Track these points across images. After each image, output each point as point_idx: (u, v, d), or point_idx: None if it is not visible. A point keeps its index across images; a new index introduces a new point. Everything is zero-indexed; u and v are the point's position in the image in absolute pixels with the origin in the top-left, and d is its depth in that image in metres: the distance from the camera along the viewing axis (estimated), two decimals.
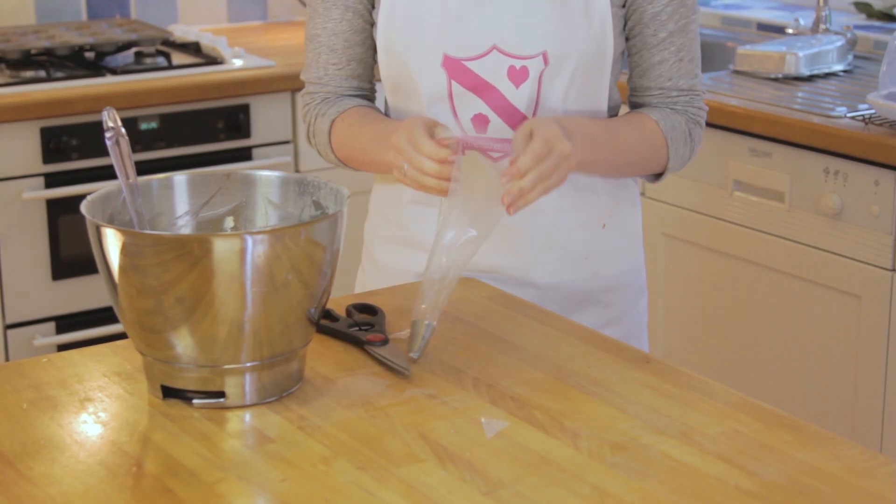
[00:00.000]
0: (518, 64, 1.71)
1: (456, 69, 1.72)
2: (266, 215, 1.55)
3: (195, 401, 1.41)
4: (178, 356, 1.40)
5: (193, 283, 1.35)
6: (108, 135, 1.47)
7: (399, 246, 1.84)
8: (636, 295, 1.91)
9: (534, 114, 1.74)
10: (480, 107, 1.74)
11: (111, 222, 1.45)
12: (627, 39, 1.80)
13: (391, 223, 1.85)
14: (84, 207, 1.41)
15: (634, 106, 1.83)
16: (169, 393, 1.43)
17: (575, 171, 1.66)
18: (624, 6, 1.76)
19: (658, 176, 1.83)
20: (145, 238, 1.36)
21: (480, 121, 1.74)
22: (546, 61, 1.71)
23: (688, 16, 1.78)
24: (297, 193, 1.53)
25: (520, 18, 1.71)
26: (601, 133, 1.71)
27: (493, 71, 1.72)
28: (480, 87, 1.73)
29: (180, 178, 1.54)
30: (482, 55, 1.71)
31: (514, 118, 1.74)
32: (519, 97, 1.73)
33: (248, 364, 1.40)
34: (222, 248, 1.34)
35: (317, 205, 1.51)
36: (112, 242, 1.37)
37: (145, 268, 1.36)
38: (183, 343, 1.38)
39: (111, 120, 1.49)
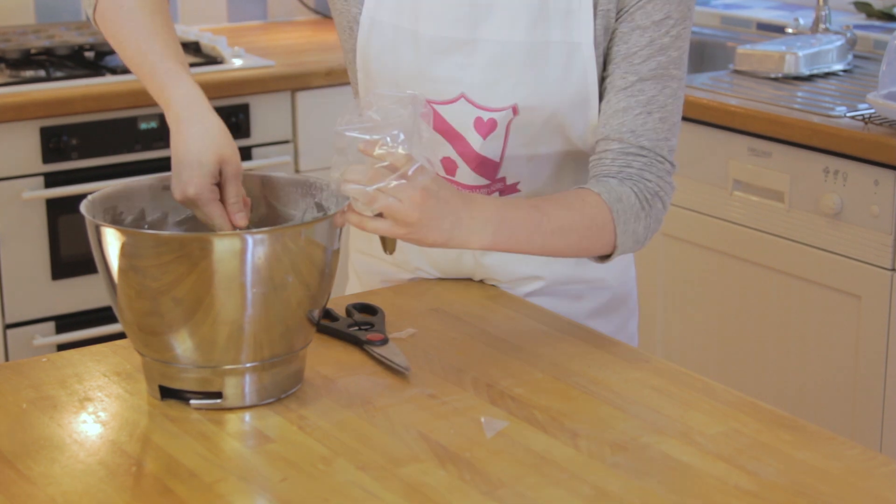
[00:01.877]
0: (486, 116, 1.63)
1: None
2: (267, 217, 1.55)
3: (192, 401, 1.41)
4: (177, 357, 1.39)
5: (193, 285, 1.35)
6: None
7: (386, 265, 1.81)
8: (625, 318, 1.83)
9: (501, 156, 1.66)
10: (449, 151, 1.67)
11: (111, 222, 1.45)
12: (600, 83, 1.65)
13: (375, 244, 1.81)
14: (84, 207, 1.41)
15: (591, 167, 1.65)
16: (167, 393, 1.43)
17: (492, 250, 1.53)
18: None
19: (606, 256, 1.62)
20: (145, 238, 1.36)
21: (449, 164, 1.68)
22: (515, 112, 1.63)
23: (667, 68, 1.60)
24: (298, 195, 1.53)
25: (489, 71, 1.62)
26: (525, 214, 1.53)
27: (460, 119, 1.65)
28: (448, 133, 1.66)
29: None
30: (450, 101, 1.65)
31: (483, 167, 1.67)
32: (486, 148, 1.66)
33: (248, 365, 1.40)
34: (222, 248, 1.34)
35: (319, 206, 1.51)
36: (111, 243, 1.37)
37: (145, 268, 1.35)
38: (182, 344, 1.38)
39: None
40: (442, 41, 1.63)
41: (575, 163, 1.71)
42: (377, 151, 1.41)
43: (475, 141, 1.66)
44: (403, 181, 1.41)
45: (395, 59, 1.66)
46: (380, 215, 1.44)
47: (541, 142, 1.67)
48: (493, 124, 1.64)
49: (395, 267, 1.81)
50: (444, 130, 1.66)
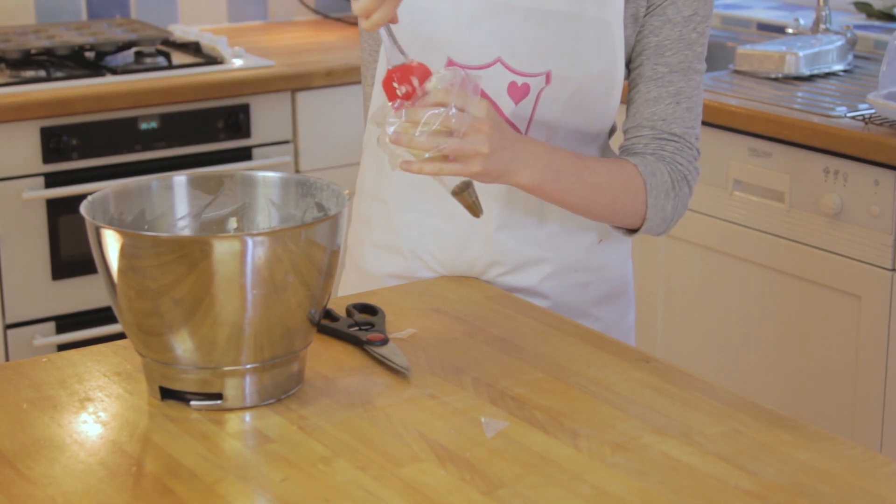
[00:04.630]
0: (520, 81, 1.68)
1: None
2: (269, 217, 1.55)
3: (193, 402, 1.41)
4: (177, 358, 1.39)
5: (193, 286, 1.35)
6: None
7: (387, 252, 1.82)
8: (624, 309, 1.87)
9: (527, 127, 1.71)
10: None
11: (111, 223, 1.45)
12: (629, 72, 1.74)
13: (375, 228, 1.83)
14: (83, 208, 1.41)
15: (623, 152, 1.74)
16: (167, 394, 1.43)
17: (533, 193, 1.61)
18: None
19: (633, 230, 1.72)
20: (144, 240, 1.36)
21: None
22: (548, 80, 1.68)
23: (692, 62, 1.70)
24: (299, 195, 1.53)
25: (528, 36, 1.68)
26: (570, 161, 1.62)
27: (494, 84, 1.68)
28: None
29: (182, 179, 1.54)
30: (486, 66, 1.68)
31: None
32: (516, 114, 1.70)
33: (249, 366, 1.40)
34: (221, 249, 1.34)
35: (319, 206, 1.51)
36: (111, 244, 1.37)
37: (144, 269, 1.35)
38: (183, 345, 1.38)
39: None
40: (486, 5, 1.68)
41: (586, 149, 1.76)
42: (431, 98, 1.47)
43: (507, 106, 1.70)
44: (465, 114, 1.48)
45: (432, 27, 1.69)
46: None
47: (562, 121, 1.71)
48: (526, 90, 1.69)
49: (395, 252, 1.81)
50: None
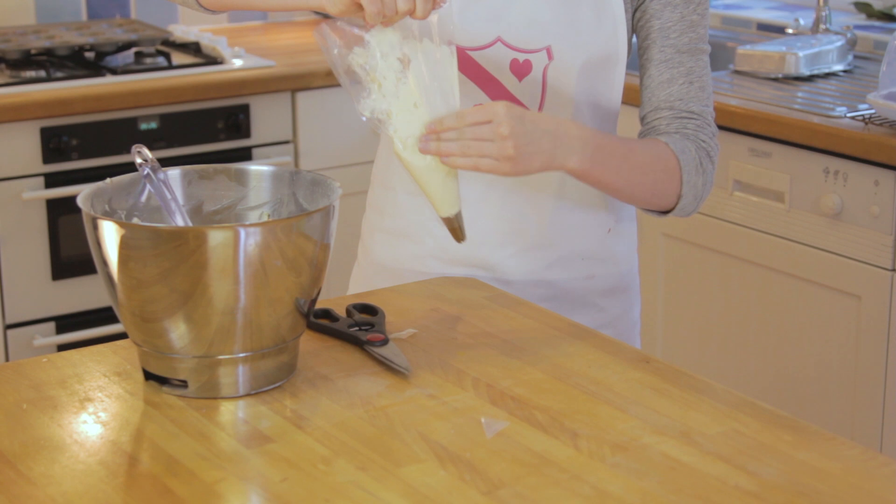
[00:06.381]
0: (521, 57, 1.71)
1: (460, 59, 1.71)
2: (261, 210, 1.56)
3: (164, 387, 1.44)
4: (173, 347, 1.41)
5: (187, 275, 1.37)
6: (144, 171, 1.50)
7: (396, 238, 1.85)
8: (630, 302, 1.89)
9: (539, 108, 1.73)
10: (482, 98, 1.73)
11: (106, 214, 1.47)
12: (638, 58, 1.77)
13: (386, 215, 1.86)
14: (80, 200, 1.43)
15: (646, 135, 1.75)
16: (150, 376, 1.46)
17: (581, 179, 1.62)
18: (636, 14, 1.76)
19: (666, 212, 1.73)
20: (141, 230, 1.38)
21: None
22: (550, 56, 1.70)
23: (697, 43, 1.73)
24: (320, 194, 1.54)
25: (525, 12, 1.71)
26: (615, 144, 1.63)
27: (496, 63, 1.71)
28: (483, 78, 1.73)
29: (177, 173, 1.56)
30: (486, 46, 1.71)
31: None
32: (522, 90, 1.72)
33: (241, 355, 1.42)
34: (215, 240, 1.36)
35: (312, 200, 1.53)
36: (108, 235, 1.38)
37: (140, 259, 1.38)
38: (177, 333, 1.40)
39: (141, 157, 1.51)
40: None
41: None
42: (468, 117, 1.50)
43: (510, 82, 1.72)
44: (484, 126, 1.51)
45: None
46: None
47: (574, 103, 1.73)
48: (528, 66, 1.71)
49: (403, 237, 1.83)
50: (479, 77, 1.72)
